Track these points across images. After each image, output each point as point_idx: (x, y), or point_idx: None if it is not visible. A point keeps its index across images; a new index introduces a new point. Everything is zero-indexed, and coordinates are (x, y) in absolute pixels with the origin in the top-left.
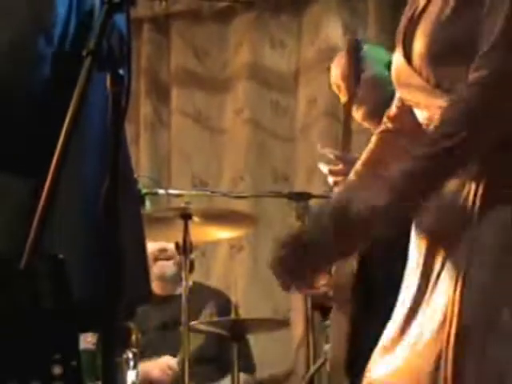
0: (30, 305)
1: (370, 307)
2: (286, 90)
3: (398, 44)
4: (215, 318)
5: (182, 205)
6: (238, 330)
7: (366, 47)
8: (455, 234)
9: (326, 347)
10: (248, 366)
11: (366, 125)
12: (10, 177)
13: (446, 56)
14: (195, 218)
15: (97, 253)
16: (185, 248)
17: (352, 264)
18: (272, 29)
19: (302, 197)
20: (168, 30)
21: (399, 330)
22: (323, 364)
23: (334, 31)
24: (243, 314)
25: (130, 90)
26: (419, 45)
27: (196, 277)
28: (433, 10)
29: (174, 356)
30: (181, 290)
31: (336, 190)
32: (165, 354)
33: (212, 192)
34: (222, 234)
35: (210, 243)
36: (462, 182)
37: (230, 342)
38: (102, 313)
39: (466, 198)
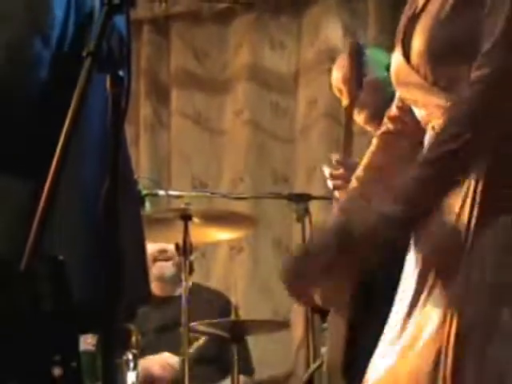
0: (30, 306)
1: (369, 307)
2: (285, 91)
3: (398, 43)
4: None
5: (182, 206)
6: (238, 332)
7: (367, 50)
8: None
9: (323, 350)
10: (247, 369)
11: (368, 128)
12: (10, 178)
13: (445, 54)
14: (195, 219)
15: (97, 254)
16: (185, 249)
17: None
18: (272, 30)
19: (302, 198)
20: (168, 31)
21: (396, 334)
22: (320, 367)
23: (333, 32)
24: (243, 315)
25: (130, 91)
26: (418, 43)
27: (196, 278)
28: (432, 8)
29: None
30: (180, 291)
31: (337, 195)
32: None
33: (212, 193)
34: (222, 235)
35: (210, 244)
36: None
37: (229, 344)
38: (102, 314)
39: (465, 200)
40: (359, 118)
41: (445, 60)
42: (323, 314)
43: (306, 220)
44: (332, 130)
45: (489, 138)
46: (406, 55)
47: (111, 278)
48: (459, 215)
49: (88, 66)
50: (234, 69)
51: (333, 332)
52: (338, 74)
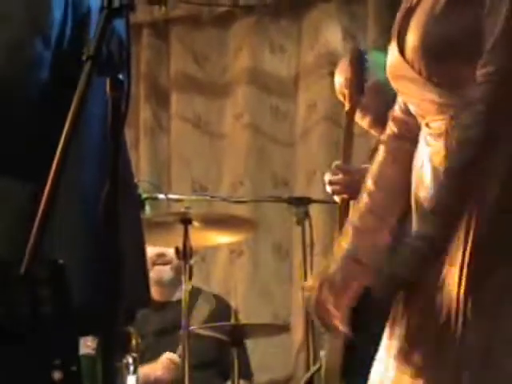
0: (29, 310)
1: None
2: (285, 94)
3: (393, 36)
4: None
5: (182, 210)
6: (238, 335)
7: (368, 54)
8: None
9: (322, 353)
10: (246, 373)
11: (372, 132)
12: (10, 181)
13: (439, 51)
14: (195, 223)
15: (96, 257)
16: (185, 253)
17: None
18: (272, 33)
19: (302, 201)
20: (167, 35)
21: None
22: (319, 370)
23: (333, 36)
24: (243, 318)
25: (130, 94)
26: (412, 38)
27: (196, 281)
28: (427, 2)
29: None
30: (179, 295)
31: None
32: None
33: (212, 197)
34: (222, 238)
35: (210, 248)
36: None
37: (229, 347)
38: (102, 317)
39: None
40: (363, 122)
41: (439, 56)
42: None
43: (306, 223)
44: (332, 134)
45: (498, 136)
46: (401, 49)
47: (111, 282)
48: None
49: (88, 70)
50: (234, 72)
51: (331, 336)
52: (340, 78)
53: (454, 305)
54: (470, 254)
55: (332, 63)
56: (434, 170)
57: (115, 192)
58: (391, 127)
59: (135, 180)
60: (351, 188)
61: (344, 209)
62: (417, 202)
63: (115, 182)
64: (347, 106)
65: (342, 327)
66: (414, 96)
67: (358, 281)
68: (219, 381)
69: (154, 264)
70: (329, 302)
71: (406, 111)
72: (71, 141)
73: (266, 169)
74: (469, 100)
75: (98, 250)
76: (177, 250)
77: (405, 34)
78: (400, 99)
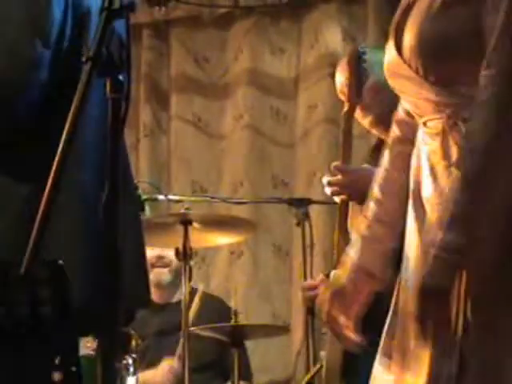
0: (29, 310)
1: (368, 310)
2: (285, 95)
3: (391, 35)
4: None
5: (182, 211)
6: (238, 336)
7: (368, 54)
8: None
9: (323, 354)
10: (246, 374)
11: (374, 131)
12: (10, 182)
13: (436, 50)
14: (195, 224)
15: (96, 258)
16: (185, 254)
17: None
18: (272, 35)
19: (302, 202)
20: (168, 35)
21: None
22: (319, 370)
23: (333, 37)
24: (243, 319)
25: (130, 95)
26: (409, 37)
27: (196, 282)
28: (424, 1)
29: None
30: (178, 297)
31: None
32: (163, 360)
33: (212, 198)
34: (222, 239)
35: (210, 249)
36: None
37: (229, 348)
38: (102, 318)
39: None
40: (365, 121)
41: (436, 55)
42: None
43: (306, 224)
44: (332, 135)
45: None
46: (398, 48)
47: (111, 282)
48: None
49: (88, 71)
50: (234, 73)
51: (331, 336)
52: (341, 77)
53: (454, 304)
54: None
55: (332, 64)
56: (432, 169)
57: (115, 192)
58: (394, 130)
59: (135, 181)
60: (350, 188)
61: (343, 209)
62: (418, 202)
63: (115, 183)
64: (346, 107)
65: (354, 336)
66: (411, 95)
67: (368, 290)
68: (219, 382)
69: (154, 266)
70: (340, 313)
71: (409, 113)
72: (71, 141)
73: (266, 170)
74: (469, 99)
75: (98, 250)
76: (177, 251)
77: (402, 32)
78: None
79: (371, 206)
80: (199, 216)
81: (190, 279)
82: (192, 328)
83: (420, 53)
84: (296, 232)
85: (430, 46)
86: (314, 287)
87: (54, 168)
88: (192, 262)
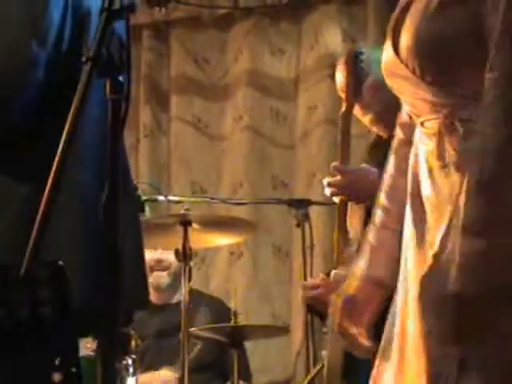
0: (29, 311)
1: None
2: (285, 96)
3: (389, 34)
4: (210, 324)
5: (182, 211)
6: (238, 337)
7: (366, 53)
8: None
9: (324, 353)
10: (246, 375)
11: (374, 129)
12: (10, 182)
13: (433, 49)
14: (195, 225)
15: (96, 258)
16: (184, 254)
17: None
18: (272, 35)
19: (302, 203)
20: (168, 36)
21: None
22: (320, 370)
23: (333, 38)
24: (242, 320)
25: (130, 96)
26: (406, 37)
27: (195, 283)
28: (421, 1)
29: (172, 364)
30: (177, 298)
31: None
32: (163, 360)
33: (211, 198)
34: (222, 240)
35: (210, 250)
36: None
37: (229, 349)
38: (102, 318)
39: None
40: (365, 119)
41: (433, 55)
42: (323, 317)
43: (306, 225)
44: (332, 136)
45: None
46: (395, 48)
47: (111, 282)
48: None
49: (88, 71)
50: (234, 74)
51: (332, 336)
52: (341, 75)
53: None
54: None
55: (332, 65)
56: (430, 169)
57: (115, 193)
58: (398, 133)
59: (135, 182)
60: (349, 188)
61: (342, 210)
62: (417, 201)
63: (115, 183)
64: (343, 107)
65: (367, 343)
66: (409, 95)
67: (378, 300)
68: (218, 383)
69: (153, 270)
70: (351, 324)
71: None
72: (71, 142)
73: (265, 171)
74: (465, 99)
75: (98, 251)
76: (176, 251)
77: (399, 32)
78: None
79: (378, 214)
80: (199, 217)
81: (189, 280)
82: (192, 329)
83: (417, 53)
84: (296, 233)
85: (427, 47)
86: (316, 286)
87: (54, 168)
88: (192, 263)
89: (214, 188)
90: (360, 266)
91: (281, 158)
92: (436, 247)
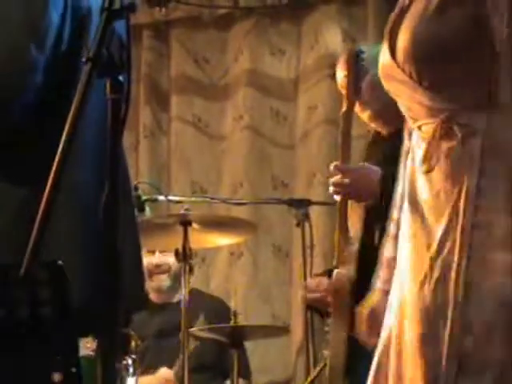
0: (29, 311)
1: None
2: (285, 96)
3: (386, 37)
4: (209, 325)
5: (182, 211)
6: (237, 337)
7: (367, 52)
8: None
9: (326, 353)
10: (245, 373)
11: (372, 125)
12: (10, 182)
13: (430, 54)
14: (195, 225)
15: (96, 258)
16: (184, 255)
17: (350, 269)
18: (272, 36)
19: (302, 203)
20: (168, 36)
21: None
22: (323, 369)
23: (333, 38)
24: (242, 320)
25: (130, 96)
26: (403, 40)
27: (195, 283)
28: (419, 4)
29: (171, 364)
30: (177, 297)
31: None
32: (163, 360)
33: (212, 198)
34: (222, 240)
35: (210, 250)
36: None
37: (229, 349)
38: (102, 318)
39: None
40: (364, 116)
41: (430, 58)
42: (323, 314)
43: (306, 225)
44: (332, 136)
45: None
46: (392, 51)
47: (111, 282)
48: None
49: (88, 72)
50: (234, 74)
51: (334, 335)
52: (342, 74)
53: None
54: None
55: (332, 65)
56: (426, 172)
57: (115, 193)
58: (406, 142)
59: (135, 182)
60: (350, 187)
61: (343, 209)
62: (415, 204)
63: (115, 184)
64: (344, 106)
65: None
66: (405, 98)
67: None
68: (218, 383)
69: (152, 274)
70: (376, 331)
71: None
72: (71, 142)
73: (265, 171)
74: (463, 104)
75: (98, 251)
76: (176, 252)
77: (396, 34)
78: None
79: (391, 228)
80: (199, 217)
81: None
82: (192, 329)
83: (413, 56)
84: (296, 233)
85: (424, 49)
86: (317, 288)
87: (53, 168)
88: (192, 263)
89: (214, 188)
90: (380, 277)
91: (281, 158)
92: (433, 250)
